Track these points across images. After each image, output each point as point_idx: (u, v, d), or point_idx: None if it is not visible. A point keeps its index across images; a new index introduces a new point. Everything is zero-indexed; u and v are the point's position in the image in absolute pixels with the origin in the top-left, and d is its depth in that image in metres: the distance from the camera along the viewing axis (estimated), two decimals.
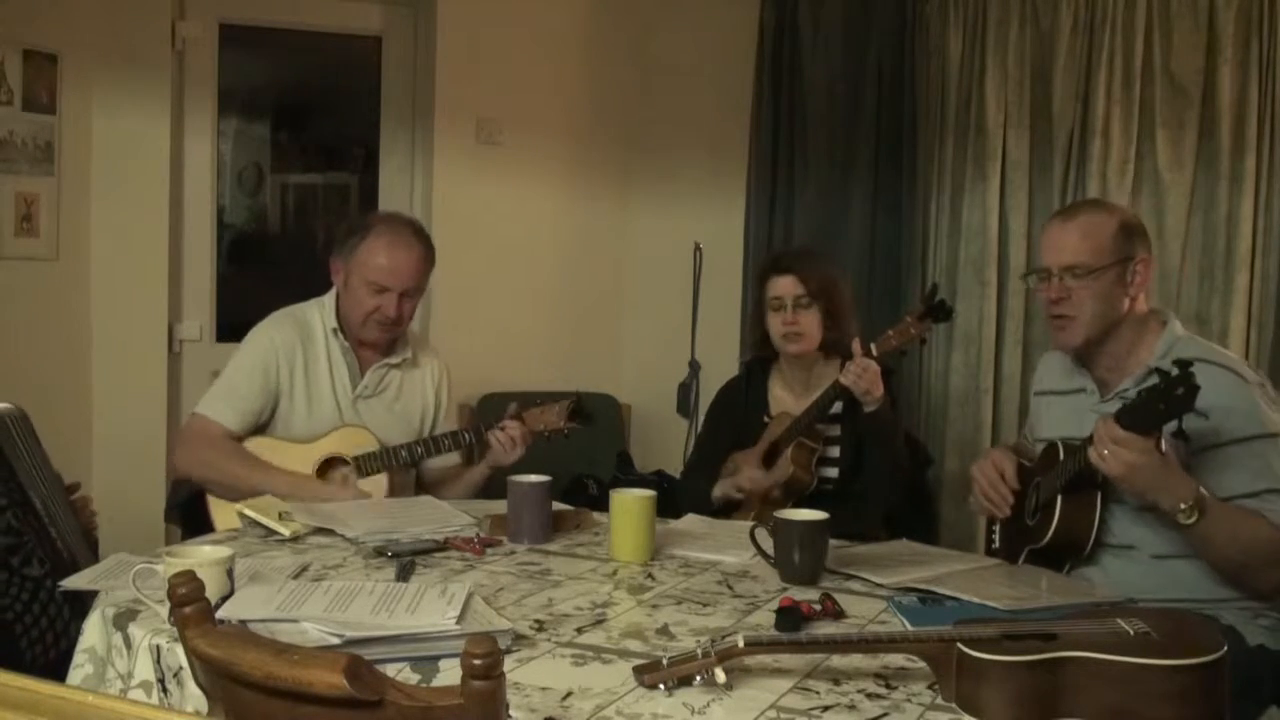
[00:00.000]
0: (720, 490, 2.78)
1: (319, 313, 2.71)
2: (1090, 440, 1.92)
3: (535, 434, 2.65)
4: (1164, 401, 1.78)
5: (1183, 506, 1.87)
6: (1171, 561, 2.02)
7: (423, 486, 2.78)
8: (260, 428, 2.62)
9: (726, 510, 2.78)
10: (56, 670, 1.79)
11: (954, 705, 1.38)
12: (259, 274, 4.10)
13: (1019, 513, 2.23)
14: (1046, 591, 1.94)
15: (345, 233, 2.71)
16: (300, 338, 2.66)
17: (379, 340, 2.69)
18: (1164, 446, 1.87)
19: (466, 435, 2.67)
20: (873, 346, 2.52)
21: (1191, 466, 1.93)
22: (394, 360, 2.73)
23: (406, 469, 2.68)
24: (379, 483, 2.59)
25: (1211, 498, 1.89)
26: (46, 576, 2.04)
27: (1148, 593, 1.98)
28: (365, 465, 2.58)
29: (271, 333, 2.67)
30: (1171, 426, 1.83)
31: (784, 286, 2.77)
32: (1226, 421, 1.94)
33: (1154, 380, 2.01)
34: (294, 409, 2.63)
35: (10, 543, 2.04)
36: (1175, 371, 1.78)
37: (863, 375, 2.52)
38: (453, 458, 2.76)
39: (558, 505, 2.33)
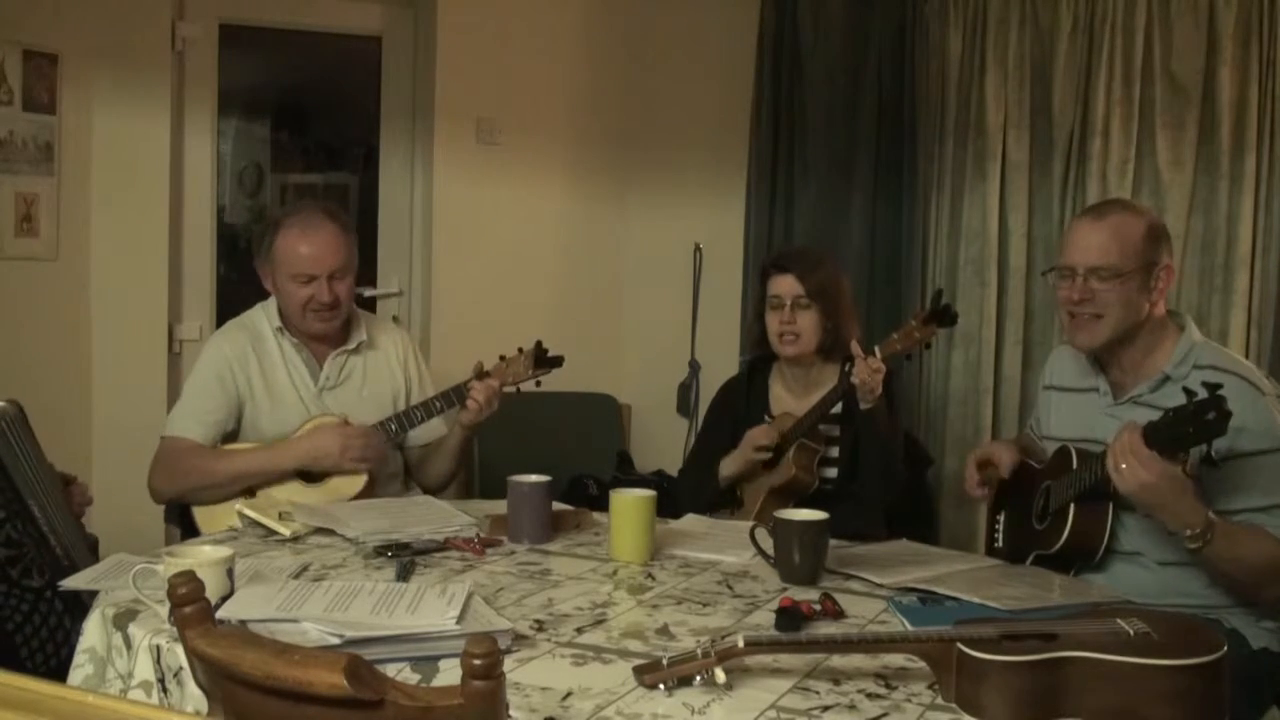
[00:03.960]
0: (730, 469, 2.75)
1: (264, 315, 2.71)
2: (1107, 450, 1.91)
3: (504, 386, 2.64)
4: (1193, 425, 1.76)
5: (1189, 533, 1.86)
6: (1178, 568, 2.01)
7: (409, 466, 2.78)
8: (229, 438, 2.62)
9: (728, 505, 2.78)
10: (56, 680, 1.79)
11: (954, 705, 1.39)
12: (259, 274, 4.10)
13: (1026, 515, 2.22)
14: (1046, 591, 1.94)
15: (259, 235, 2.71)
16: (250, 343, 2.66)
17: (324, 330, 2.67)
18: (1189, 469, 1.85)
19: (437, 403, 2.66)
20: (877, 350, 2.50)
21: (1203, 478, 1.91)
22: (350, 346, 2.72)
23: (389, 449, 2.67)
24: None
25: (1220, 522, 1.87)
26: (46, 587, 2.04)
27: (1153, 598, 1.98)
28: None
29: (220, 344, 2.67)
30: (1199, 451, 1.80)
31: (783, 285, 2.76)
32: (1241, 435, 1.92)
33: (1169, 385, 2.01)
34: (259, 413, 2.63)
35: (10, 554, 2.04)
36: (1204, 394, 1.75)
37: (874, 374, 2.50)
38: (434, 430, 2.75)
39: (558, 505, 2.33)
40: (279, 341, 2.67)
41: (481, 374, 2.64)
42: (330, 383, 2.69)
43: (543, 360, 2.70)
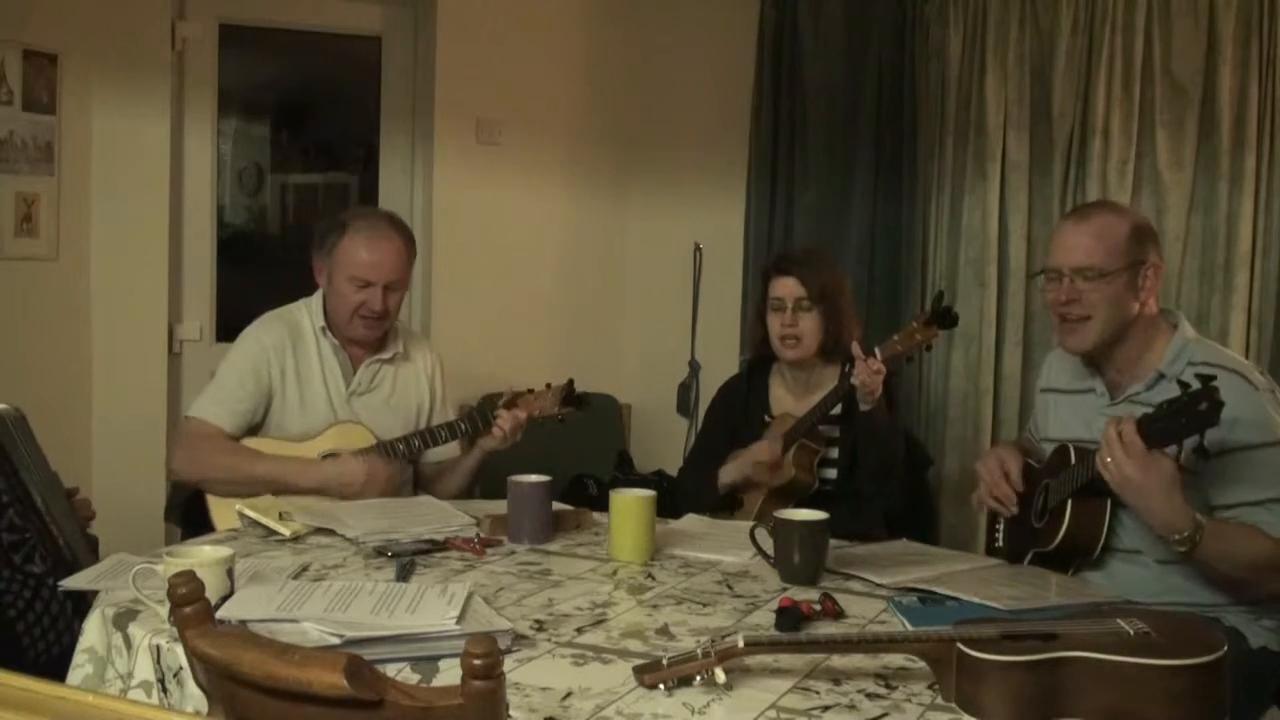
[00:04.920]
0: (729, 476, 2.77)
1: (307, 312, 2.71)
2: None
3: (530, 420, 2.66)
4: (1186, 416, 1.76)
5: (1175, 537, 1.85)
6: (1177, 567, 2.01)
7: (421, 480, 2.78)
8: (254, 429, 2.62)
9: (728, 506, 2.78)
10: (58, 667, 1.80)
11: (954, 705, 1.39)
12: (259, 274, 4.10)
13: (1025, 513, 2.22)
14: (1046, 591, 1.94)
15: (323, 232, 2.70)
16: (290, 338, 2.66)
17: (367, 337, 2.69)
18: (1182, 459, 1.84)
19: (462, 425, 2.68)
20: (877, 351, 2.50)
21: (1197, 472, 1.91)
22: (385, 355, 2.73)
23: (404, 463, 2.68)
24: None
25: (1209, 524, 1.86)
26: (48, 574, 2.04)
27: (1152, 597, 1.98)
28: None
29: (260, 334, 2.67)
30: (1192, 442, 1.80)
31: (785, 288, 2.76)
32: (1234, 429, 1.91)
33: (1164, 383, 2.02)
34: (287, 409, 2.63)
35: (13, 539, 2.05)
36: (1197, 385, 1.75)
37: (875, 375, 2.49)
38: (451, 449, 2.76)
39: (558, 505, 2.33)
40: (319, 341, 2.68)
41: (509, 403, 2.65)
42: (361, 388, 2.69)
43: (570, 399, 2.71)
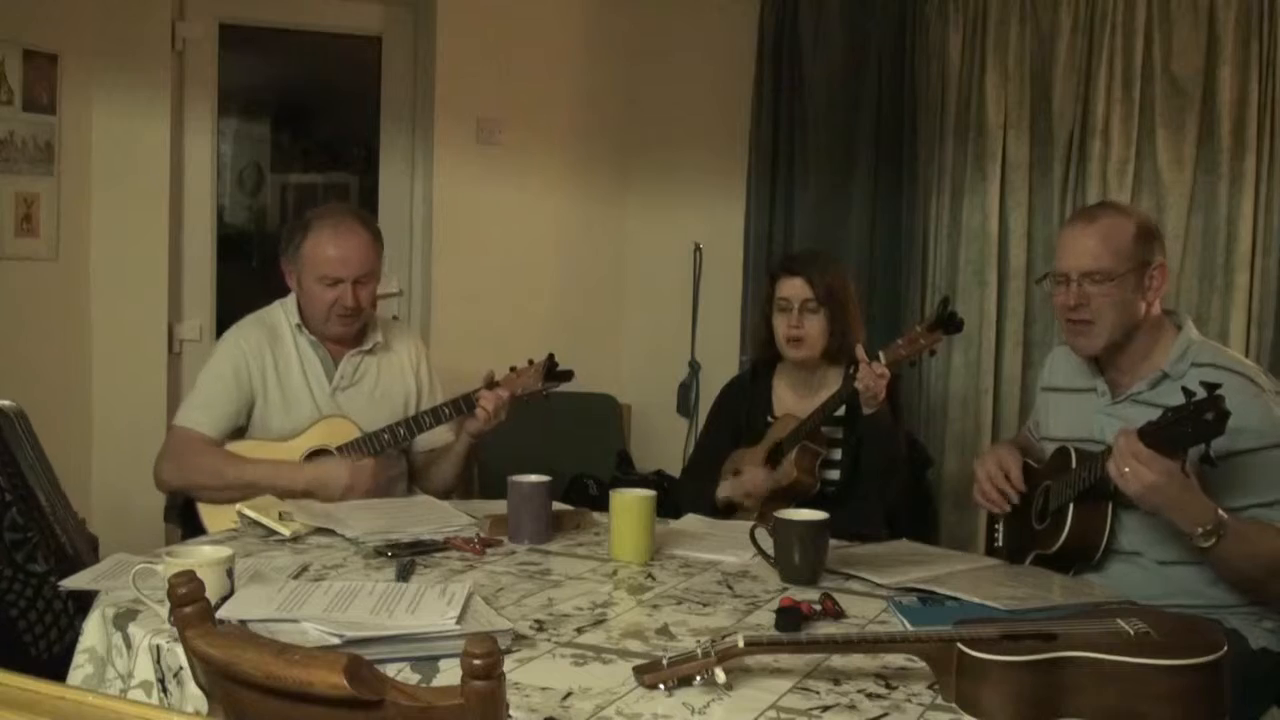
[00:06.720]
0: (724, 493, 2.78)
1: (283, 312, 2.71)
2: (1108, 452, 1.90)
3: (514, 398, 2.65)
4: (1192, 425, 1.76)
5: (1200, 530, 1.85)
6: (1176, 568, 2.01)
7: (414, 469, 2.78)
8: (239, 433, 2.62)
9: (727, 510, 2.78)
10: (60, 666, 1.80)
11: (954, 705, 1.39)
12: (259, 274, 4.10)
13: (1025, 515, 2.22)
14: (1046, 591, 1.94)
15: (288, 234, 2.70)
16: (268, 339, 2.66)
17: (345, 333, 2.68)
18: (1187, 468, 1.84)
19: (446, 410, 2.66)
20: (881, 355, 2.50)
21: (1205, 475, 1.91)
22: (366, 347, 2.72)
23: (394, 453, 2.68)
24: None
25: (1230, 518, 1.86)
26: (50, 573, 2.05)
27: (1153, 598, 1.97)
28: (350, 454, 2.58)
29: (238, 338, 2.67)
30: (1197, 450, 1.79)
31: (792, 289, 2.76)
32: (1240, 432, 1.90)
33: (1167, 383, 2.01)
34: (270, 410, 2.63)
35: (15, 538, 2.05)
36: (1202, 393, 1.75)
37: (879, 380, 2.49)
38: (442, 436, 2.75)
39: (558, 505, 2.33)
40: (296, 339, 2.68)
41: (491, 384, 2.65)
42: (344, 383, 2.69)
43: (553, 373, 2.71)
